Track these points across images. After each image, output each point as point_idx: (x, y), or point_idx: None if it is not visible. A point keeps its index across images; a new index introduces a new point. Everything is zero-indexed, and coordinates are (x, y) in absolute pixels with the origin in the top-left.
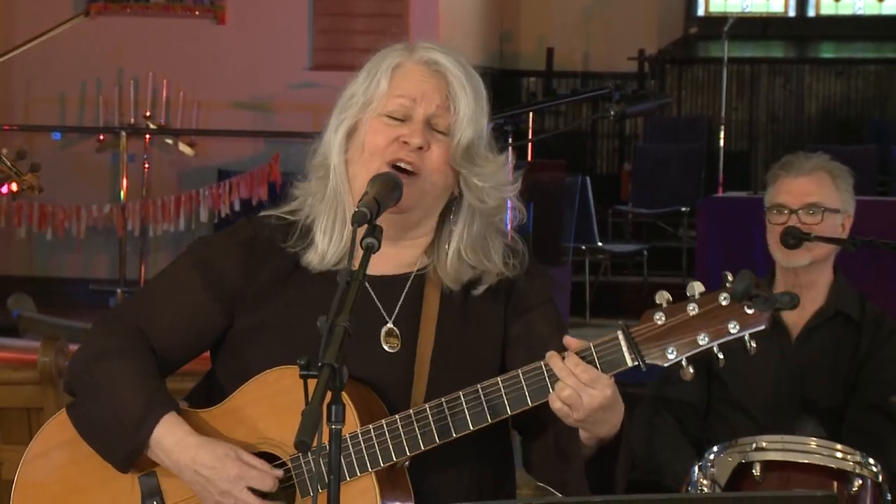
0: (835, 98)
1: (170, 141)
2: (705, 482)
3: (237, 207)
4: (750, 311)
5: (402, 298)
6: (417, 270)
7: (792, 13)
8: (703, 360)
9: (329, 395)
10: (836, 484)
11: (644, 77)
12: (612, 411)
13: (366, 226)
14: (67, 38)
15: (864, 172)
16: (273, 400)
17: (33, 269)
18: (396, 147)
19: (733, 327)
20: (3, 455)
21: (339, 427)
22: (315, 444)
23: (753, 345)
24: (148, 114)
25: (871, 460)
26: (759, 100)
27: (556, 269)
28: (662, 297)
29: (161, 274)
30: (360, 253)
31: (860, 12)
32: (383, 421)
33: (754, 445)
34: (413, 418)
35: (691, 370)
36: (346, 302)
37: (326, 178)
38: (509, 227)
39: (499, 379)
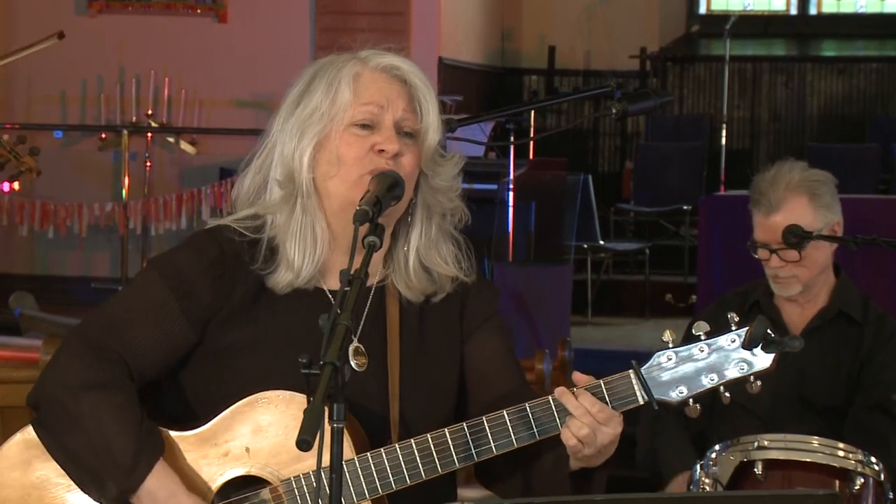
0: (836, 96)
1: (171, 139)
2: (707, 481)
3: None
4: (756, 356)
5: (365, 313)
6: (378, 283)
7: (794, 11)
8: None
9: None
10: (838, 483)
11: (646, 75)
12: (615, 445)
13: (367, 224)
14: (69, 37)
15: (866, 171)
16: (255, 424)
17: (35, 267)
18: (373, 156)
19: (741, 370)
20: None
21: (341, 426)
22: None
23: (758, 384)
24: (150, 112)
25: (873, 459)
26: (761, 98)
27: (557, 267)
28: (669, 335)
29: (130, 292)
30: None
31: (862, 10)
32: (382, 450)
33: (756, 444)
34: (414, 448)
35: (698, 407)
36: (347, 300)
37: (294, 194)
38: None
39: (505, 412)
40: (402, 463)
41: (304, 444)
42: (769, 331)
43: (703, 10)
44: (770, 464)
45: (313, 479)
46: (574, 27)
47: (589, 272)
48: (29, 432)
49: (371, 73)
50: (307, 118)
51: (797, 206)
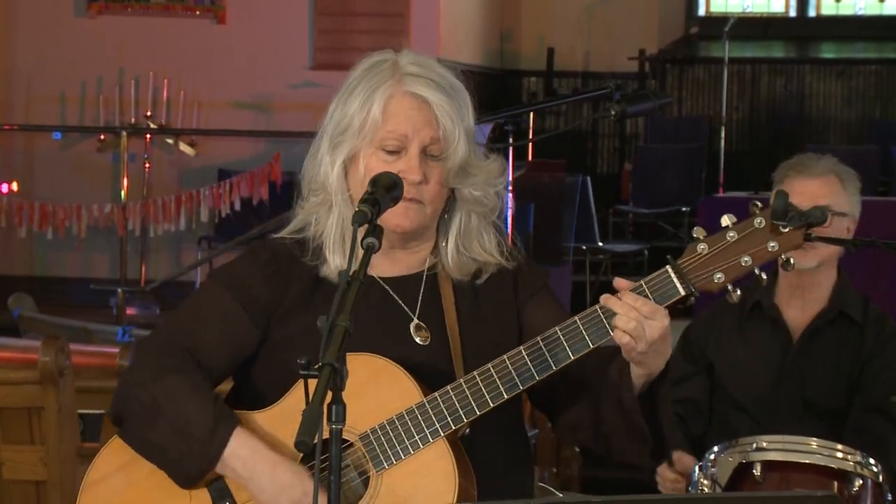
0: (835, 98)
1: (170, 140)
2: (706, 482)
3: (238, 207)
4: (785, 230)
5: (420, 295)
6: (428, 268)
7: (793, 13)
8: (703, 360)
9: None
10: (836, 484)
11: (645, 77)
12: (667, 342)
13: (366, 225)
14: (68, 38)
15: (865, 173)
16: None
17: (34, 268)
18: None
19: (773, 247)
20: (4, 455)
21: (339, 427)
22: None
23: (792, 262)
24: (149, 113)
25: (872, 460)
26: (760, 100)
27: (556, 268)
28: (699, 231)
29: (191, 300)
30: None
31: (861, 12)
32: (448, 387)
33: (755, 445)
34: (478, 378)
35: (738, 292)
36: (345, 302)
37: (327, 201)
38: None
39: (557, 328)
40: (468, 393)
41: (302, 445)
42: (790, 203)
43: (702, 11)
44: (769, 465)
45: (388, 428)
46: (573, 29)
47: (588, 273)
48: (115, 441)
49: (401, 97)
50: (342, 132)
51: (834, 184)
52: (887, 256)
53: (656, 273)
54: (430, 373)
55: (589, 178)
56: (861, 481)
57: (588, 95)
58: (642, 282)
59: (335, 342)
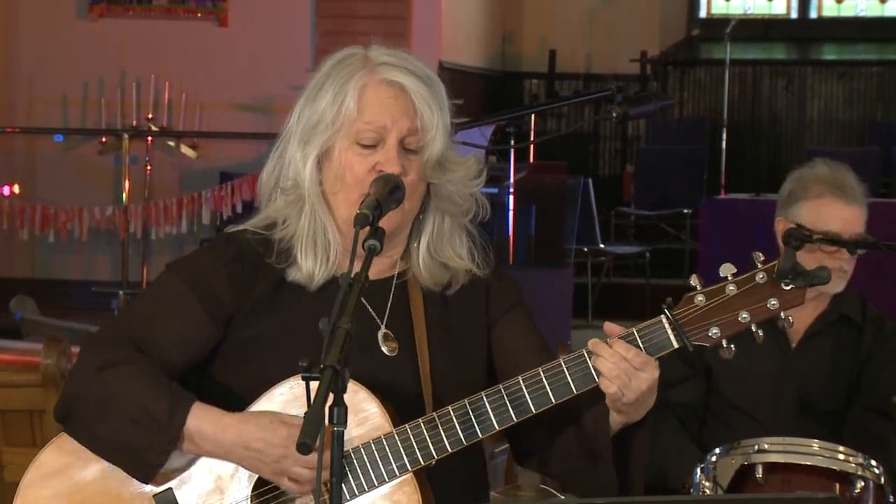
0: (837, 100)
1: (172, 143)
2: (707, 484)
3: (239, 209)
4: (787, 288)
5: (389, 302)
6: (398, 274)
7: (794, 15)
8: (701, 362)
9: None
10: (838, 486)
11: (646, 79)
12: (654, 394)
13: (367, 228)
14: (70, 40)
15: (867, 175)
16: (285, 410)
17: (35, 271)
18: (375, 175)
19: (773, 304)
20: (5, 457)
21: (341, 430)
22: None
23: (791, 320)
24: (150, 116)
25: (874, 462)
26: (762, 102)
27: (558, 270)
28: (696, 279)
29: (148, 294)
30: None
31: (862, 14)
32: (420, 420)
33: (756, 447)
34: (452, 415)
35: (732, 348)
36: (347, 304)
37: (300, 202)
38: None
39: (540, 370)
40: (442, 430)
41: (303, 447)
42: (797, 262)
43: (703, 13)
44: (770, 467)
45: (353, 457)
46: (575, 31)
47: (589, 275)
48: (60, 440)
49: (377, 86)
50: (313, 127)
51: (865, 211)
52: (888, 258)
53: (650, 322)
54: (396, 388)
55: (590, 180)
56: (863, 483)
57: (590, 97)
58: (634, 330)
59: (337, 344)
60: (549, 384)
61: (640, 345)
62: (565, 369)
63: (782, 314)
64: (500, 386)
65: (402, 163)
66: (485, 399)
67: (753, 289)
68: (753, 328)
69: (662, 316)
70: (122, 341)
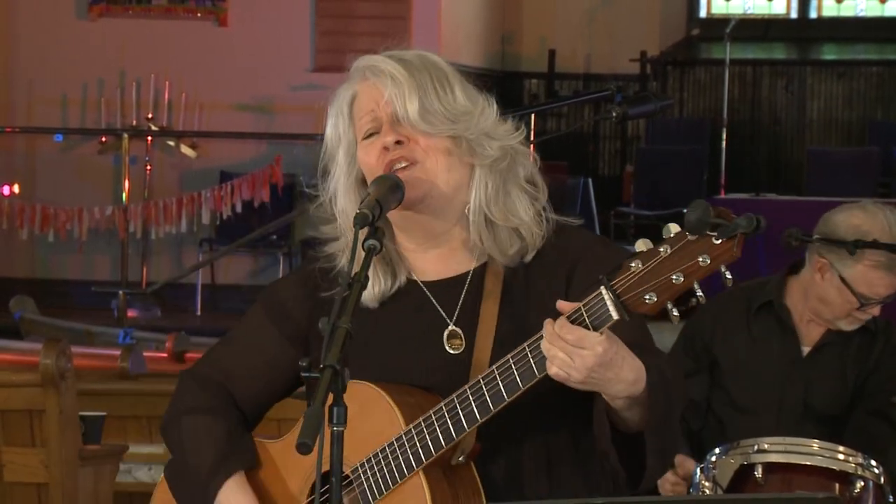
0: (837, 100)
1: (171, 143)
2: (707, 484)
3: (239, 209)
4: (717, 242)
5: (461, 298)
6: (476, 267)
7: (794, 15)
8: (707, 357)
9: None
10: (837, 486)
11: (646, 79)
12: (615, 368)
13: (367, 228)
14: (70, 40)
15: (866, 174)
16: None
17: (35, 270)
18: (383, 156)
19: (703, 260)
20: (5, 457)
21: (340, 429)
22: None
23: (728, 276)
24: (150, 115)
25: (873, 462)
26: (761, 101)
27: None
28: (641, 244)
29: (236, 325)
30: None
31: (862, 14)
32: (420, 418)
33: (756, 447)
34: (444, 409)
35: (676, 313)
36: (347, 304)
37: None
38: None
39: (509, 356)
40: (437, 426)
41: (303, 447)
42: (709, 210)
43: (703, 13)
44: (770, 467)
45: (373, 462)
46: (574, 30)
47: None
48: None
49: (361, 84)
50: (332, 158)
51: None
52: None
53: (592, 294)
54: (453, 387)
55: (590, 180)
56: (862, 483)
57: (589, 97)
58: (580, 305)
59: (336, 344)
60: (517, 370)
61: (587, 320)
62: (528, 352)
63: (722, 269)
64: (480, 378)
65: (397, 130)
66: (467, 390)
67: (684, 247)
68: (694, 287)
69: (602, 287)
70: (214, 384)
